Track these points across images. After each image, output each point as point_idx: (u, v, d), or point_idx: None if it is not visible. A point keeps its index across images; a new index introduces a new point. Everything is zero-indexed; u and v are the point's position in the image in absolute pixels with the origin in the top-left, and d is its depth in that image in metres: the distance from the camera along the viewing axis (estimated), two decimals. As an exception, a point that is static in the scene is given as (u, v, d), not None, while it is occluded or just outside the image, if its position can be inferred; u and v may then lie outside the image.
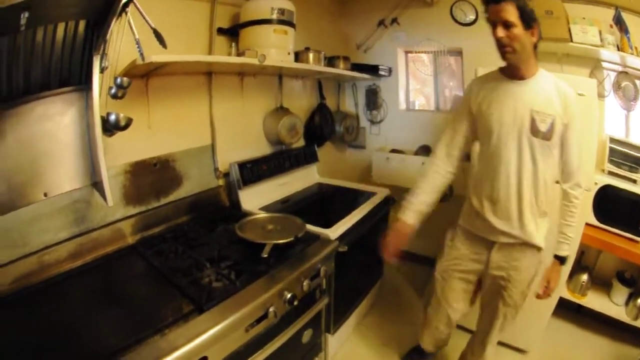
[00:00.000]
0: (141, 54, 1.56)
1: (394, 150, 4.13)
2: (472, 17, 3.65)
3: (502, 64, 2.00)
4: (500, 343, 2.46)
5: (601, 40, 3.12)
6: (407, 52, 4.18)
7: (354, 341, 3.04)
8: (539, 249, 2.06)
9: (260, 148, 3.15)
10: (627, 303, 3.19)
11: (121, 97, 1.78)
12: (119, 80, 1.74)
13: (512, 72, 1.95)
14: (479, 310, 2.38)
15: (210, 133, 2.69)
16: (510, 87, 1.96)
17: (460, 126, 2.12)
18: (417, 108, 4.43)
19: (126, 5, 1.41)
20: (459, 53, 3.87)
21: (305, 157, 3.39)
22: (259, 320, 1.72)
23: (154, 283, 1.89)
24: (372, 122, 4.36)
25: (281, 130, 3.08)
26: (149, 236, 2.29)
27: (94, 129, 1.65)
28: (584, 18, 3.14)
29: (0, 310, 1.61)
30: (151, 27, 1.48)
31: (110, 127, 1.75)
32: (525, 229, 2.02)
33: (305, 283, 2.01)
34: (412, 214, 2.16)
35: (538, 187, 1.98)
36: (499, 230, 2.05)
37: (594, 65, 3.33)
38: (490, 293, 2.23)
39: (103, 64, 1.64)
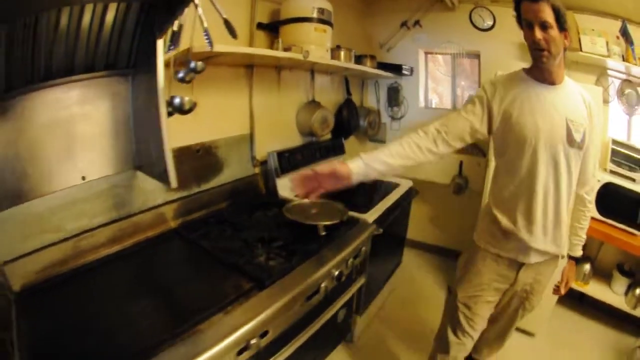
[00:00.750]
0: (210, 43, 1.56)
1: (410, 147, 4.15)
2: (489, 22, 3.74)
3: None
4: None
5: (608, 50, 3.25)
6: (427, 53, 4.26)
7: (376, 323, 3.11)
8: (562, 257, 1.99)
9: (292, 139, 3.20)
10: (626, 293, 3.35)
11: (189, 82, 1.79)
12: (193, 64, 1.74)
13: (542, 76, 1.77)
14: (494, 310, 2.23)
15: (249, 123, 2.72)
16: (542, 92, 1.76)
17: (472, 117, 1.79)
18: (433, 106, 4.51)
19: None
20: (476, 56, 3.95)
21: (333, 148, 3.44)
22: (311, 296, 1.77)
23: (206, 264, 1.88)
24: (393, 118, 4.43)
25: (314, 123, 3.14)
26: (191, 220, 2.29)
27: (158, 112, 1.62)
28: (593, 29, 3.27)
29: (32, 299, 1.55)
30: (222, 18, 1.47)
31: (174, 111, 1.73)
32: (558, 242, 1.89)
33: (350, 262, 2.06)
34: (361, 165, 1.67)
35: (570, 197, 1.87)
36: (534, 249, 1.86)
37: (600, 72, 3.46)
38: (511, 303, 2.12)
39: (172, 48, 1.65)
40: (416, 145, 1.70)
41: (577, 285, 3.39)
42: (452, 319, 2.13)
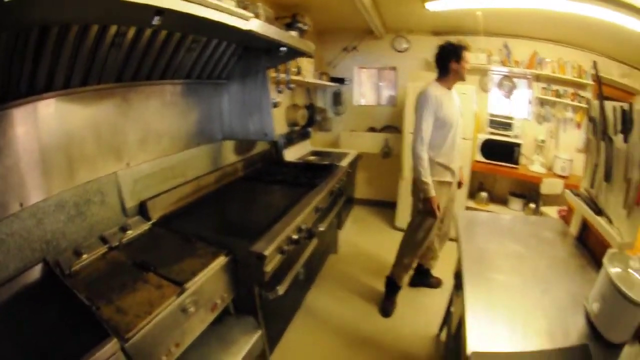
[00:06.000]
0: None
1: (351, 130, 5.76)
2: (405, 46, 5.32)
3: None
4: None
5: (489, 60, 4.86)
6: (360, 68, 5.81)
7: (346, 243, 4.55)
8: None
9: (283, 127, 4.53)
10: (523, 209, 4.86)
11: (281, 93, 3.24)
12: (290, 85, 3.19)
13: (449, 86, 2.96)
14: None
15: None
16: (449, 94, 2.94)
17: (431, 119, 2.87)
18: (363, 103, 6.06)
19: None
20: (394, 69, 5.54)
21: (304, 134, 4.85)
22: (332, 193, 3.16)
23: (276, 186, 3.06)
24: (336, 114, 5.92)
25: (298, 117, 4.57)
26: (249, 171, 3.45)
27: (269, 104, 2.81)
28: (479, 48, 4.81)
29: (179, 215, 2.39)
30: (298, 66, 2.98)
31: (273, 106, 2.91)
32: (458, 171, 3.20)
33: (340, 183, 3.43)
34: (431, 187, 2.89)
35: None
36: (456, 175, 3.10)
37: (482, 74, 5.07)
38: (449, 207, 3.26)
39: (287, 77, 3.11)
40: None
41: (479, 206, 4.98)
42: (428, 229, 3.10)
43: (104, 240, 1.92)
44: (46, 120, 1.71)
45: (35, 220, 1.67)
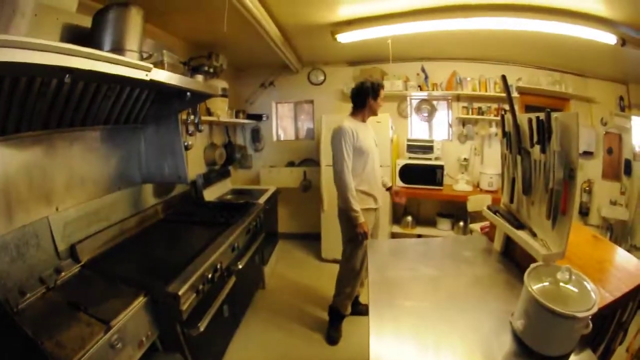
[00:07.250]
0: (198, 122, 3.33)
1: (271, 166, 5.98)
2: (322, 78, 5.73)
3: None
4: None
5: (405, 87, 5.17)
6: (277, 103, 6.12)
7: (274, 278, 4.74)
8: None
9: (202, 167, 4.72)
10: (452, 228, 5.13)
11: (192, 135, 3.46)
12: (200, 127, 3.38)
13: (363, 119, 3.30)
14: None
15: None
16: (365, 126, 3.28)
17: (350, 149, 3.12)
18: (282, 139, 6.36)
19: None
20: (311, 102, 5.89)
21: (224, 172, 5.04)
22: (248, 231, 3.41)
23: (195, 227, 3.21)
24: (256, 150, 6.19)
25: (216, 157, 4.79)
26: (169, 213, 3.56)
27: (181, 147, 2.99)
28: (394, 75, 5.23)
29: (103, 257, 2.55)
30: (207, 107, 3.22)
31: (185, 149, 3.11)
32: (381, 196, 3.42)
33: (258, 219, 3.73)
34: (360, 212, 3.13)
35: (379, 173, 3.41)
36: (378, 200, 3.36)
37: (400, 100, 5.50)
38: (374, 234, 3.44)
39: (196, 119, 3.32)
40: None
41: (405, 231, 5.27)
42: (362, 256, 3.26)
43: (42, 281, 2.08)
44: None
45: (-16, 260, 1.85)
